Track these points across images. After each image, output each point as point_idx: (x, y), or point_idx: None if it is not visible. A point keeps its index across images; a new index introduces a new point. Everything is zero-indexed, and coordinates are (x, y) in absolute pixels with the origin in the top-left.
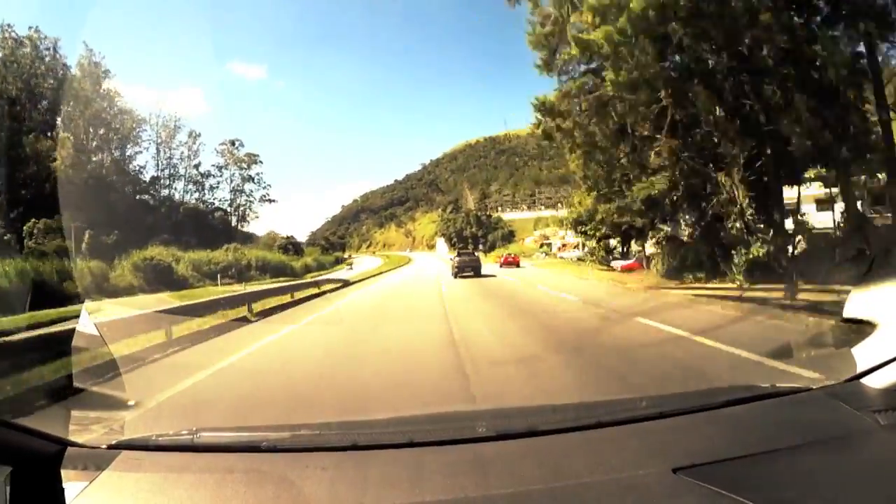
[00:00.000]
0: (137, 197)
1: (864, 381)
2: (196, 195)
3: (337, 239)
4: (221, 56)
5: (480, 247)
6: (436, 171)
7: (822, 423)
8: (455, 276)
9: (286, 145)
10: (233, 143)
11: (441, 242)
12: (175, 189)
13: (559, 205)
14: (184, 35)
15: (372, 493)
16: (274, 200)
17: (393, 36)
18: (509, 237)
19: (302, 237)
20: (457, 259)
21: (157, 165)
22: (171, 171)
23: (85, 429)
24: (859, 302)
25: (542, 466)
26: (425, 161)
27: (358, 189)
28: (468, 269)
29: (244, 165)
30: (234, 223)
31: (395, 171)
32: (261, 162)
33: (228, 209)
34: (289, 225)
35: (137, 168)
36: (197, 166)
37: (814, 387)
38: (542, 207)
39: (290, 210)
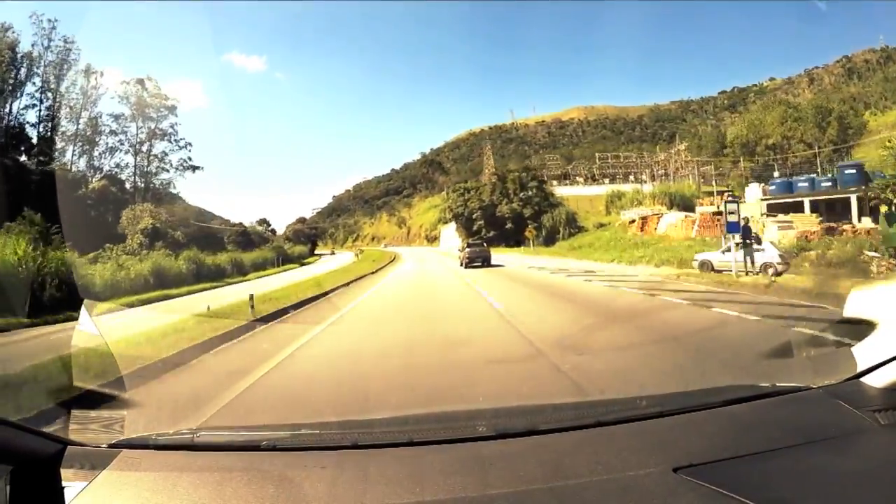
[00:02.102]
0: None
1: (864, 380)
2: (97, 159)
3: (307, 230)
4: (219, 47)
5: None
6: (437, 160)
7: (822, 423)
8: (465, 267)
9: (284, 138)
10: (141, 82)
11: (450, 231)
12: (58, 150)
13: (650, 174)
14: (181, 24)
15: (372, 492)
16: (198, 167)
17: (394, 27)
18: (573, 220)
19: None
20: (467, 250)
21: (38, 116)
22: (52, 125)
23: (85, 428)
24: (859, 301)
25: (543, 465)
26: (425, 150)
27: (354, 181)
28: (478, 259)
29: (153, 114)
30: (144, 197)
31: (392, 161)
32: (176, 113)
33: (134, 178)
34: (283, 219)
35: (18, 122)
36: (94, 119)
37: (814, 386)
38: (606, 181)
39: (286, 204)
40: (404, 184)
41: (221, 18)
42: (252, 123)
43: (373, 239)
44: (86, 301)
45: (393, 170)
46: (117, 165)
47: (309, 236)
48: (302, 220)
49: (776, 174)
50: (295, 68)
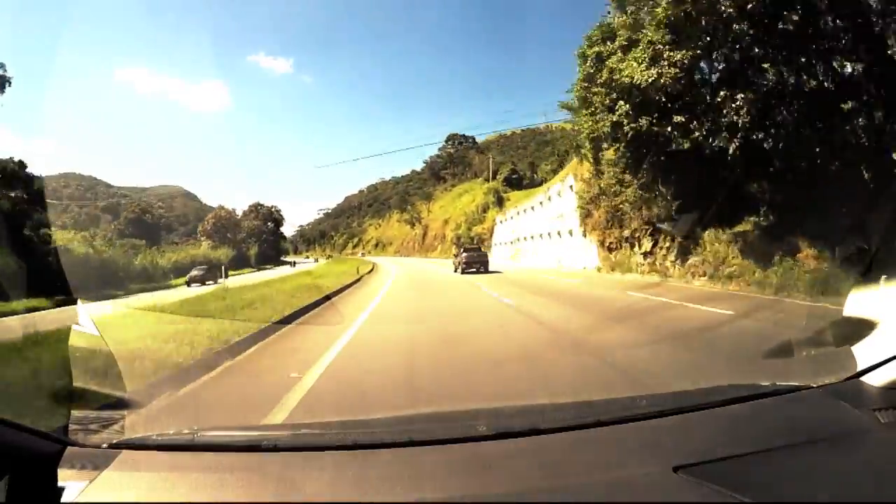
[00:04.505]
0: None
1: (864, 379)
2: None
3: (264, 224)
4: (246, 49)
5: None
6: (471, 137)
7: (822, 422)
8: (462, 272)
9: (305, 139)
10: None
11: (540, 215)
12: None
13: None
14: (208, 26)
15: (372, 492)
16: (8, 79)
17: (424, 30)
18: None
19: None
20: (464, 255)
21: None
22: None
23: (85, 428)
24: (859, 301)
25: (543, 465)
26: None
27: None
28: (476, 264)
29: None
30: None
31: (413, 164)
32: None
33: None
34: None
35: None
36: None
37: (814, 385)
38: None
39: (299, 205)
40: (425, 183)
41: (249, 20)
42: (277, 124)
43: (376, 245)
44: (80, 300)
45: (413, 171)
46: None
47: (271, 240)
48: (256, 207)
49: None
50: (322, 71)
